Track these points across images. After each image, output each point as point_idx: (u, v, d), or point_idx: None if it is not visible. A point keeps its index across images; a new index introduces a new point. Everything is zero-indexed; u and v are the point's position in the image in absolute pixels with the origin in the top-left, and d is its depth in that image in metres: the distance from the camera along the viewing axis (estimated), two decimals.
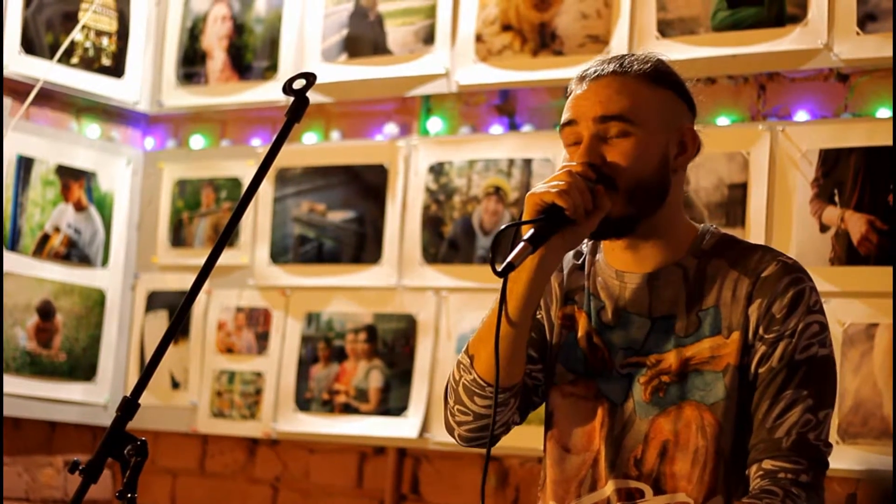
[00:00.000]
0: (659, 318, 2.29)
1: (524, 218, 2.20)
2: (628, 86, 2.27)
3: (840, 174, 3.58)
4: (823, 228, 3.59)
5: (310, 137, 4.55)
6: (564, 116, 2.31)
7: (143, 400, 2.13)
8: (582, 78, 2.31)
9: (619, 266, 2.34)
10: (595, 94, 2.28)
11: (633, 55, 2.32)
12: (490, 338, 2.25)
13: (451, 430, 2.40)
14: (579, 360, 2.35)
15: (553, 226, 2.19)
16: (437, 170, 4.26)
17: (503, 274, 2.16)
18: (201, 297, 4.56)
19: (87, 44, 4.65)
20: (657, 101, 2.29)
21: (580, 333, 2.36)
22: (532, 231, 2.18)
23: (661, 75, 2.30)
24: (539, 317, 2.41)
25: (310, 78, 2.22)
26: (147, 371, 2.12)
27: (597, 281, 2.37)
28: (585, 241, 2.39)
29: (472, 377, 2.30)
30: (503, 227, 2.23)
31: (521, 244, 2.17)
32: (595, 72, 2.30)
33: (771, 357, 2.23)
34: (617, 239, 2.31)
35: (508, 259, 2.16)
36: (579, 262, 2.41)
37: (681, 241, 2.32)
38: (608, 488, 2.29)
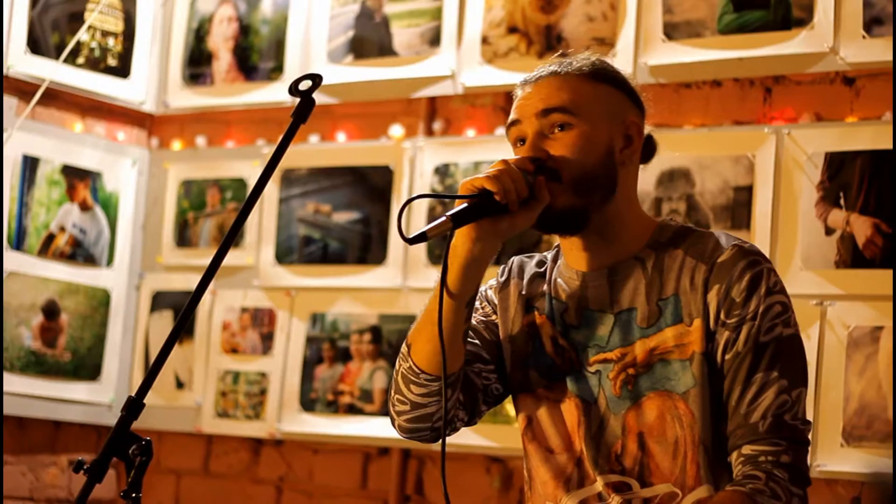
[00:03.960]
0: (621, 312, 2.30)
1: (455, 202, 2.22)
2: (568, 82, 2.31)
3: (845, 177, 3.58)
4: (829, 231, 3.58)
5: (315, 138, 4.55)
6: (509, 118, 2.35)
7: (147, 400, 2.13)
8: (525, 83, 2.36)
9: (577, 266, 2.35)
10: (536, 93, 2.32)
11: (572, 58, 2.36)
12: (426, 327, 2.27)
13: (392, 421, 2.41)
14: (549, 366, 2.36)
15: (481, 209, 2.19)
16: (443, 171, 4.26)
17: (413, 242, 2.16)
18: (206, 297, 4.56)
19: (93, 44, 4.66)
20: (597, 94, 2.32)
21: (545, 339, 2.37)
22: (457, 209, 2.19)
23: (600, 73, 2.34)
24: (492, 319, 2.43)
25: (316, 79, 2.22)
26: (152, 371, 2.13)
27: (558, 284, 2.38)
28: (549, 251, 2.43)
29: (408, 365, 2.32)
30: (414, 196, 2.23)
31: (442, 218, 2.18)
32: (536, 75, 2.34)
33: (736, 342, 2.23)
34: (568, 234, 2.32)
35: (423, 229, 2.16)
36: (541, 269, 2.42)
37: (638, 235, 2.33)
38: (598, 484, 2.29)
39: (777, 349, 2.23)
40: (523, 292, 2.41)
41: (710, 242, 2.29)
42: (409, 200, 2.23)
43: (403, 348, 2.33)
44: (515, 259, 2.46)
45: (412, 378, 2.32)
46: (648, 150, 2.39)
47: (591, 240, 2.32)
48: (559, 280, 2.38)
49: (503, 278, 2.44)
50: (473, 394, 2.39)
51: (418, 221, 4.27)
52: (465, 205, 2.19)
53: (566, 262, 2.38)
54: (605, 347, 2.30)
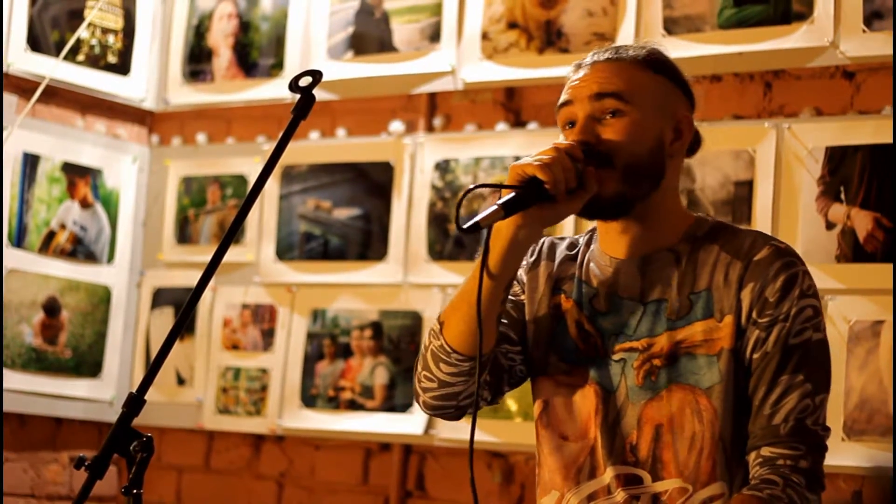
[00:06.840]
0: (650, 303, 2.30)
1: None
2: (624, 69, 2.31)
3: (846, 172, 3.58)
4: (829, 226, 3.59)
5: (315, 135, 4.55)
6: (560, 99, 2.35)
7: (148, 396, 2.13)
8: (579, 65, 2.37)
9: (612, 252, 2.35)
10: (591, 76, 2.32)
11: (628, 45, 2.37)
12: (461, 306, 2.27)
13: (416, 397, 2.42)
14: (571, 350, 2.36)
15: (531, 197, 2.20)
16: (443, 167, 4.26)
17: (467, 231, 2.16)
18: (207, 293, 4.56)
19: (93, 41, 4.65)
20: (652, 84, 2.32)
21: (569, 322, 2.37)
22: (508, 197, 2.19)
23: (656, 62, 2.34)
24: (520, 299, 2.42)
25: (316, 75, 2.23)
26: (153, 367, 2.13)
27: (589, 268, 2.38)
28: (582, 234, 2.44)
29: (439, 343, 2.31)
30: (472, 185, 2.25)
31: (494, 207, 2.17)
32: (592, 59, 2.35)
33: (766, 342, 2.23)
34: (610, 220, 2.32)
35: (476, 218, 2.16)
36: (572, 252, 2.42)
37: (675, 227, 2.33)
38: (607, 475, 2.29)
39: (805, 353, 2.24)
40: (552, 274, 2.40)
41: (746, 240, 2.29)
42: (468, 191, 2.23)
43: (435, 326, 2.33)
44: (546, 240, 2.46)
45: (443, 357, 2.32)
46: (694, 143, 2.39)
47: (630, 227, 2.32)
48: (591, 265, 2.37)
49: (533, 258, 2.43)
50: (499, 374, 2.40)
51: (420, 212, 4.27)
52: (516, 194, 2.19)
53: (601, 247, 2.37)
54: (631, 336, 2.30)
